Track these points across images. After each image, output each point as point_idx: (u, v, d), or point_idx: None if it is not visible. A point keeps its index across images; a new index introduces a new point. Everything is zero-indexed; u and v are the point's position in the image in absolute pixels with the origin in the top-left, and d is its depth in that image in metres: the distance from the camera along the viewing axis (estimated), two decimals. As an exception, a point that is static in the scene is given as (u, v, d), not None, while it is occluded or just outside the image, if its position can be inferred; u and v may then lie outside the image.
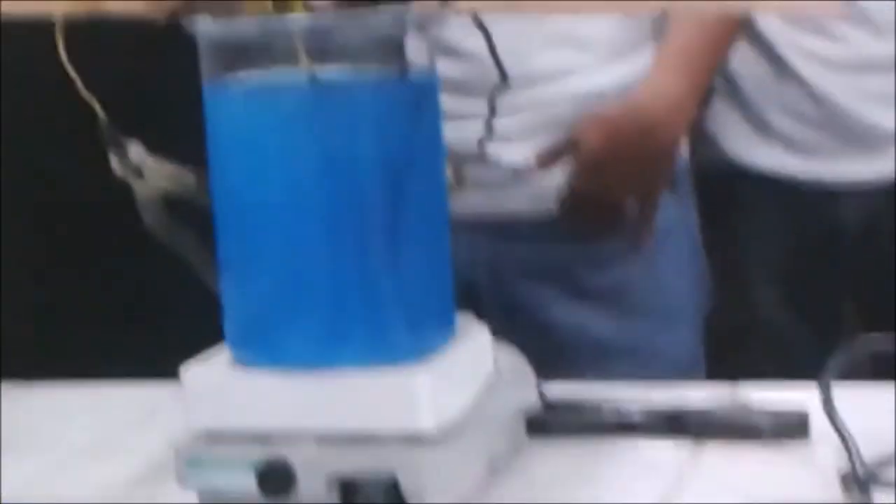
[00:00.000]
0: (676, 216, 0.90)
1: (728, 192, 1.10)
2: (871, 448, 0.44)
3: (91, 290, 0.65)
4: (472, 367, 0.47)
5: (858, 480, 0.42)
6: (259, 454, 0.42)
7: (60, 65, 0.43)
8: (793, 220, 1.09)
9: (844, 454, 0.43)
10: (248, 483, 0.42)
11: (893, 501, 0.41)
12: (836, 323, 1.10)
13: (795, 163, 1.06)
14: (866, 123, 1.06)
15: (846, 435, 0.44)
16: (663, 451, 0.50)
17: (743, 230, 1.10)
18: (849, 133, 1.04)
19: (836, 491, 0.43)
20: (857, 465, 0.43)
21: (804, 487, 0.44)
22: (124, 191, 0.46)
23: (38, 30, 0.44)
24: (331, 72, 0.42)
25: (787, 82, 1.05)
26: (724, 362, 0.99)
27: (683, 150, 0.91)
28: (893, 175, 1.05)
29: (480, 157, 0.48)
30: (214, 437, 0.43)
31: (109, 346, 0.62)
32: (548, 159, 0.81)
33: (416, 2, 0.43)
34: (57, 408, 0.60)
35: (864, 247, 1.10)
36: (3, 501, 0.48)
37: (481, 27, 0.45)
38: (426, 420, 0.41)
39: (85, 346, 0.63)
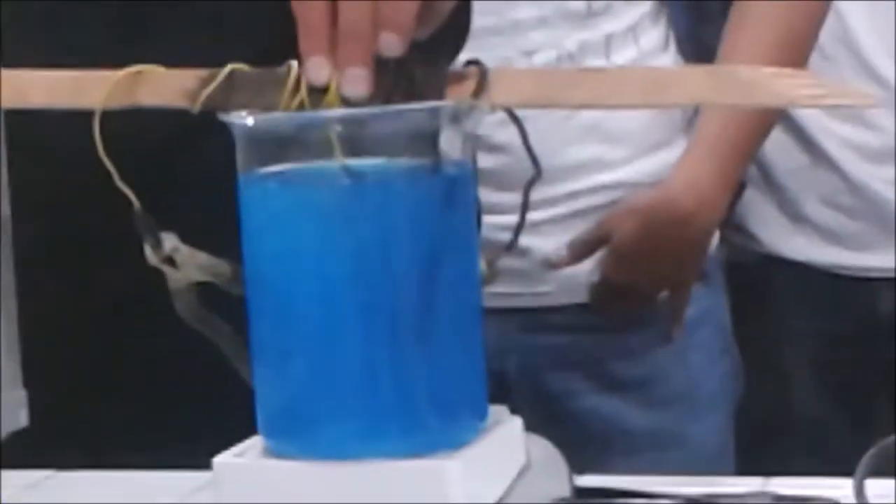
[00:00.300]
0: (708, 307, 0.91)
1: (762, 281, 1.10)
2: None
3: (123, 378, 0.65)
4: (503, 458, 0.46)
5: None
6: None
7: (96, 154, 0.44)
8: (827, 311, 1.09)
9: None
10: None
11: None
12: (872, 416, 1.08)
13: (830, 252, 1.06)
14: None
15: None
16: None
17: (777, 320, 1.10)
18: (885, 222, 1.04)
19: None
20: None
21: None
22: (159, 280, 0.47)
23: (73, 118, 0.46)
24: (366, 165, 0.43)
25: (822, 170, 1.06)
26: (757, 454, 0.99)
27: (715, 239, 0.92)
28: None
29: (514, 248, 0.49)
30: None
31: (143, 436, 0.63)
32: (581, 249, 0.83)
33: (450, 96, 0.45)
34: (91, 495, 0.60)
35: None
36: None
37: (515, 120, 0.46)
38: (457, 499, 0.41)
39: (117, 435, 0.64)
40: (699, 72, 0.50)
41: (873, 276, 1.07)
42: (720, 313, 0.94)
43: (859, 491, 0.45)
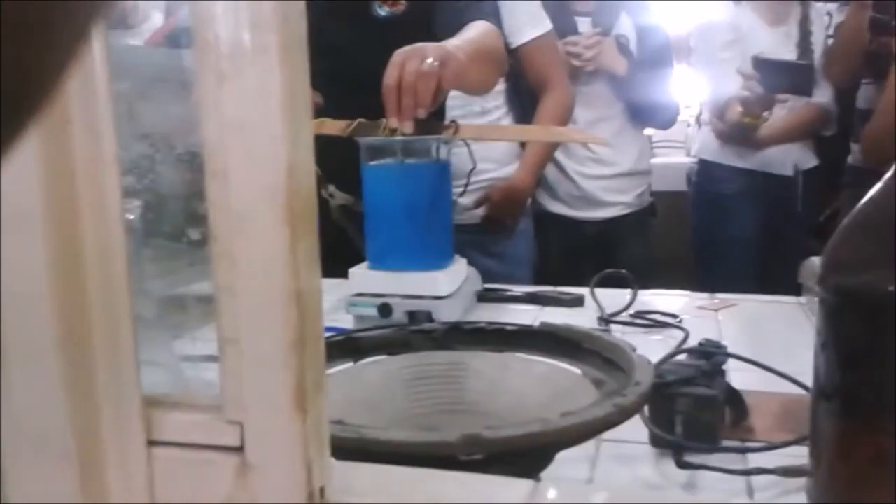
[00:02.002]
0: (522, 230, 1.87)
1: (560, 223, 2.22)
2: None
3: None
4: (458, 273, 1.18)
5: None
6: (378, 301, 1.12)
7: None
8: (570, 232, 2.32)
9: None
10: (373, 312, 1.12)
11: None
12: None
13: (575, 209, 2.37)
14: None
15: None
16: (527, 310, 1.22)
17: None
18: (588, 198, 2.35)
19: None
20: None
21: None
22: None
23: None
24: (410, 160, 1.11)
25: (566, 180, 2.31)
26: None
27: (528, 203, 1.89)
28: None
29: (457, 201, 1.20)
30: (360, 295, 1.13)
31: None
32: (480, 202, 1.61)
33: (444, 133, 1.13)
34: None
35: None
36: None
37: (467, 144, 1.17)
38: (443, 290, 1.11)
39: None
40: (536, 127, 1.22)
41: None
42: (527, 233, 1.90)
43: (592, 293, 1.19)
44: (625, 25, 2.25)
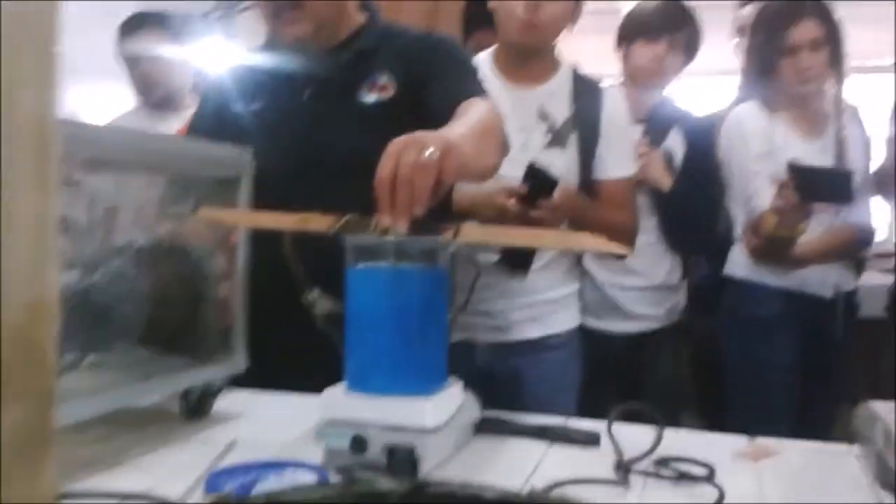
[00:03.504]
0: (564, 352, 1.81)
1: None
2: None
3: (294, 356, 1.22)
4: (451, 399, 1.00)
5: None
6: (352, 431, 0.93)
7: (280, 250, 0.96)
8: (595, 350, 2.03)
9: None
10: (345, 445, 0.93)
11: None
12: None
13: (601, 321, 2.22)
14: None
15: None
16: (532, 447, 1.03)
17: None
18: (617, 308, 2.29)
19: None
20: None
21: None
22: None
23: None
24: (404, 265, 0.95)
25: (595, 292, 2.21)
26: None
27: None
28: None
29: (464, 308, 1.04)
30: (333, 423, 0.95)
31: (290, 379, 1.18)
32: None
33: (442, 235, 0.97)
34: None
35: None
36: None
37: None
38: (430, 422, 0.93)
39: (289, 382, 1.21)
40: (552, 232, 1.05)
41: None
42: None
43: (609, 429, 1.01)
44: (674, 141, 2.18)
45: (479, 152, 1.16)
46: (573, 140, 1.74)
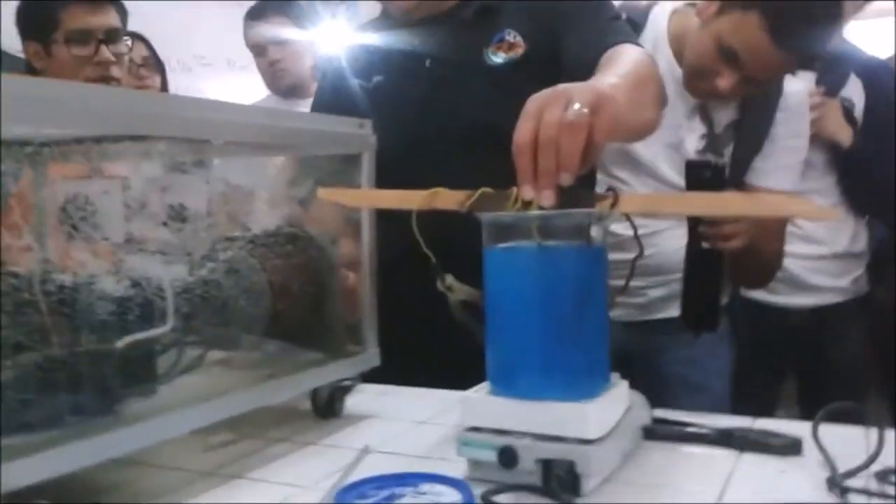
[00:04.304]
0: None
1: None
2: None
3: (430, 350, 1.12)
4: (616, 402, 0.83)
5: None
6: (499, 442, 0.79)
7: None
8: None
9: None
10: (492, 457, 0.79)
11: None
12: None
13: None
14: None
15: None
16: (716, 456, 0.86)
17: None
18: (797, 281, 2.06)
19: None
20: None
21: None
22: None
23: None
24: (549, 243, 0.79)
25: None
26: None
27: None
28: None
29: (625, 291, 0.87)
30: (476, 430, 0.81)
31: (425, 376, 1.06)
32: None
33: (596, 205, 0.80)
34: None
35: None
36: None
37: (630, 220, 0.83)
38: (592, 432, 0.77)
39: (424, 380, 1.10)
40: (738, 195, 0.85)
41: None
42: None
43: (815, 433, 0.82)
44: (853, 88, 1.93)
45: (636, 104, 0.99)
46: (729, 151, 1.53)
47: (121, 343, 0.79)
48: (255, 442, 0.96)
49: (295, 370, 0.98)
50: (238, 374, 0.98)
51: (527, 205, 0.79)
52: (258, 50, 2.61)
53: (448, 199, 0.83)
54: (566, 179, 0.78)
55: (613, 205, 0.79)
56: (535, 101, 0.80)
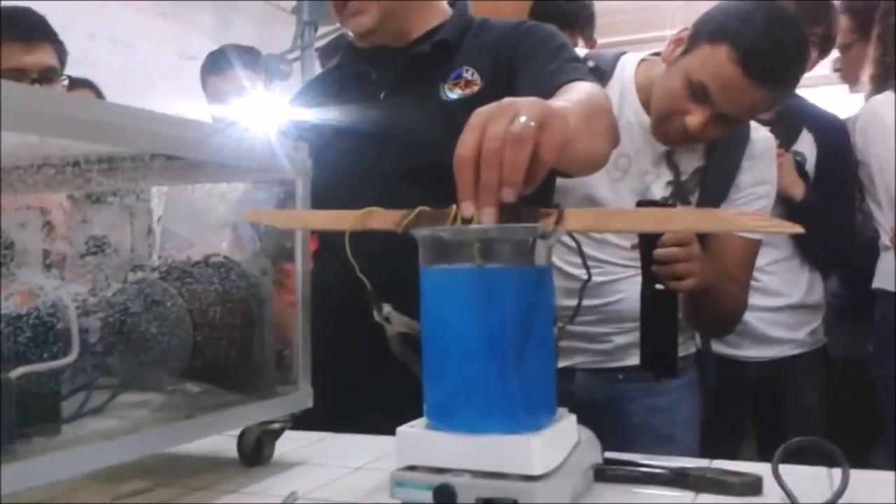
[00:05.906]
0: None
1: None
2: None
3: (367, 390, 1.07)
4: (564, 436, 0.77)
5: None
6: (437, 480, 0.72)
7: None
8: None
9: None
10: (429, 498, 0.72)
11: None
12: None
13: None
14: None
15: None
16: (672, 498, 0.79)
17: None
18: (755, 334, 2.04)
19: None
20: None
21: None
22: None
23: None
24: (490, 263, 0.73)
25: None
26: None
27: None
28: None
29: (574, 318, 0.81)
30: (411, 469, 0.74)
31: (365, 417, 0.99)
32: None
33: (540, 221, 0.74)
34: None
35: None
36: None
37: (574, 239, 0.78)
38: (536, 467, 0.71)
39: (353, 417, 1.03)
40: (688, 210, 0.80)
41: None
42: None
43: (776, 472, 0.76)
44: (805, 143, 1.98)
45: (587, 132, 0.95)
46: (695, 198, 1.51)
47: (14, 373, 0.71)
48: (171, 490, 0.88)
49: (216, 409, 0.90)
50: (153, 414, 0.90)
51: (467, 222, 0.73)
52: (216, 99, 2.58)
53: (383, 218, 0.77)
54: (509, 196, 0.72)
55: (558, 221, 0.74)
56: (479, 115, 0.75)
